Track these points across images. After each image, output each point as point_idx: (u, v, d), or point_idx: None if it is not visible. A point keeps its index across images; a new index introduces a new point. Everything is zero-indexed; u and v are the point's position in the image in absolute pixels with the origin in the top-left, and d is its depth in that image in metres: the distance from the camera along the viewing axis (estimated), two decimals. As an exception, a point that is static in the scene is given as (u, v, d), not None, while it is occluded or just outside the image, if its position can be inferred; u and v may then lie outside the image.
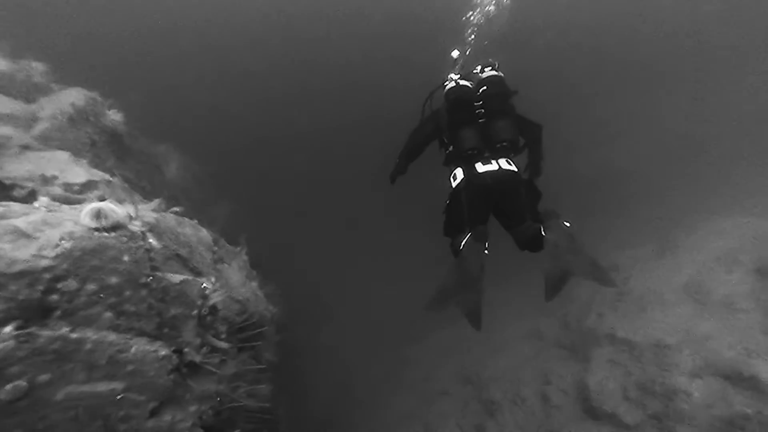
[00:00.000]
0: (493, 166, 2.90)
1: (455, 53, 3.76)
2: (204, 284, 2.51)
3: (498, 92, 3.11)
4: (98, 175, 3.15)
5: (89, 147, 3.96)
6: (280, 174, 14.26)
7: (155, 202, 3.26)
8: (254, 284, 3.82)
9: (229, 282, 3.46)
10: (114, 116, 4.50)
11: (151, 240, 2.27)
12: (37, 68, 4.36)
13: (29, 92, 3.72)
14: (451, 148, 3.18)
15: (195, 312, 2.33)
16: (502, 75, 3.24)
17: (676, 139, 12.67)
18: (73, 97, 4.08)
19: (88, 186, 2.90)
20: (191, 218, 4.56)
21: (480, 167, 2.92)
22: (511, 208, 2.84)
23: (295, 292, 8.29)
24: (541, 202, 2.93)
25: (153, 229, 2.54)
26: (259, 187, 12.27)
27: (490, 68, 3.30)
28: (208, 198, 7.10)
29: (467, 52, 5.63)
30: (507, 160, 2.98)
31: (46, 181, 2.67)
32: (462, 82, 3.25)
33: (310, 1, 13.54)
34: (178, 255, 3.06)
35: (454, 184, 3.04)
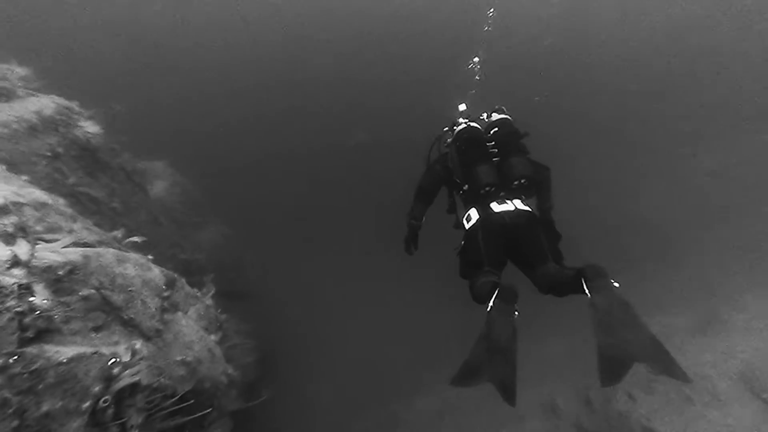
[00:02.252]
0: (509, 206, 2.81)
1: (462, 106, 3.74)
2: (113, 359, 1.84)
3: (510, 132, 3.13)
4: (30, 195, 2.60)
5: (48, 160, 3.46)
6: (281, 199, 13.81)
7: (88, 233, 2.68)
8: (213, 339, 3.13)
9: (177, 338, 2.79)
10: (89, 128, 4.05)
11: (34, 298, 1.64)
12: (13, 72, 3.99)
13: (-14, 95, 3.29)
14: (465, 188, 3.08)
15: (86, 404, 1.65)
16: (511, 118, 3.26)
17: (714, 189, 11.62)
18: (40, 104, 3.65)
19: (4, 209, 2.34)
20: (155, 248, 3.96)
21: (496, 207, 2.83)
22: (530, 248, 2.70)
23: (280, 330, 7.50)
24: (566, 251, 2.73)
25: (52, 277, 1.93)
26: (257, 211, 11.76)
27: (497, 113, 3.34)
28: (196, 220, 6.58)
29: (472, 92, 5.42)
30: (522, 201, 2.90)
31: (-57, 202, 2.11)
32: (472, 124, 3.27)
33: (315, 14, 13.61)
34: (107, 303, 2.42)
35: (468, 225, 2.94)
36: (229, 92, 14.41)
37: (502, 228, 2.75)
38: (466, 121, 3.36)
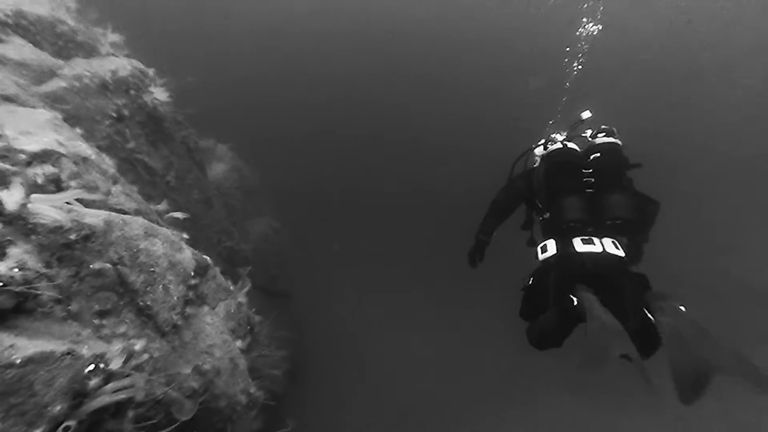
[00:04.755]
0: (595, 248, 2.44)
1: (586, 114, 3.16)
2: (93, 364, 1.32)
3: (614, 161, 2.69)
4: (73, 147, 2.30)
5: (111, 121, 3.28)
6: (339, 202, 13.56)
7: (109, 190, 2.30)
8: (239, 345, 2.61)
9: (197, 338, 2.30)
10: (159, 95, 3.88)
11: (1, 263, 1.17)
12: (106, 36, 3.98)
13: (65, 48, 3.20)
14: (546, 216, 2.79)
15: (39, 431, 1.14)
16: (620, 143, 2.77)
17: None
18: (117, 65, 3.53)
19: (41, 157, 2.03)
20: (201, 231, 3.61)
21: (579, 245, 2.46)
22: (612, 303, 2.33)
23: (315, 342, 6.96)
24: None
25: (60, 241, 1.49)
26: (312, 210, 11.57)
27: (604, 134, 2.85)
28: (250, 209, 6.37)
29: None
30: (613, 242, 2.49)
31: (-32, 136, 1.81)
32: (570, 145, 2.85)
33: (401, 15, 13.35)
34: (122, 283, 1.99)
35: (541, 257, 2.62)
36: (309, 84, 14.55)
37: (582, 272, 2.41)
38: (563, 140, 2.96)
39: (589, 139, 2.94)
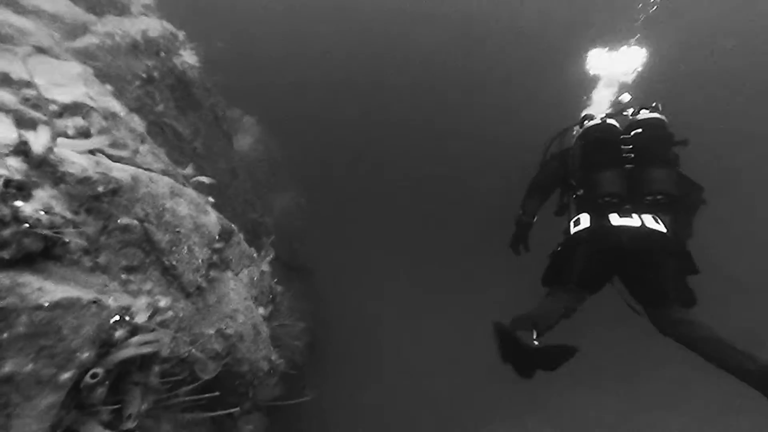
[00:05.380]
0: (633, 221, 2.28)
1: (626, 97, 3.04)
2: (118, 315, 1.29)
3: (657, 136, 2.47)
4: (104, 102, 2.27)
5: (141, 82, 3.25)
6: (363, 178, 13.44)
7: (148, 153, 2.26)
8: (261, 313, 2.60)
9: (220, 302, 2.29)
10: (189, 59, 3.82)
11: (24, 204, 1.12)
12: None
13: (98, 4, 3.16)
14: (580, 192, 2.61)
15: (67, 375, 1.12)
16: (665, 119, 2.53)
17: None
18: (148, 24, 3.47)
19: (72, 109, 2.00)
20: (226, 200, 3.60)
21: (615, 219, 2.32)
22: (651, 282, 2.20)
23: (336, 318, 7.02)
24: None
25: (88, 193, 1.45)
26: (336, 187, 11.52)
27: (647, 110, 2.63)
28: (273, 182, 6.37)
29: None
30: (654, 217, 2.31)
31: (3, 82, 1.79)
32: (609, 120, 2.66)
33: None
34: (149, 240, 1.97)
35: (573, 230, 2.47)
36: (342, 64, 14.11)
37: (615, 249, 2.23)
38: (603, 117, 2.73)
39: (630, 117, 2.73)
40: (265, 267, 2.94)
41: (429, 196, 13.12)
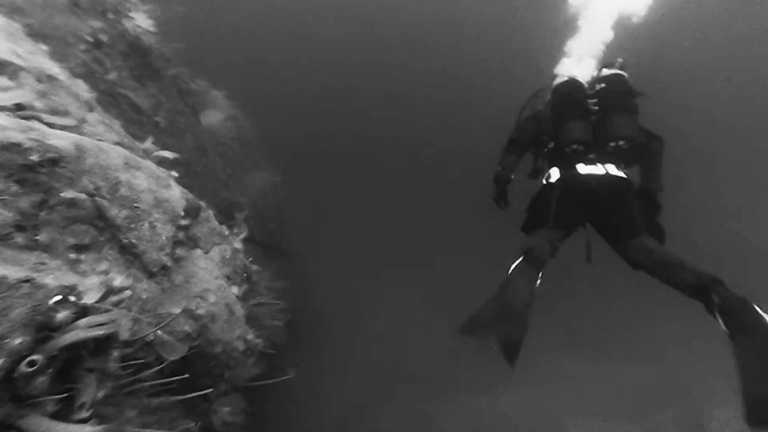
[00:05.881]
0: (598, 170, 2.49)
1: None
2: (59, 295, 1.14)
3: (619, 88, 2.69)
4: (35, 61, 1.99)
5: (87, 46, 2.91)
6: (340, 157, 13.13)
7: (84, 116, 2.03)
8: (234, 292, 2.47)
9: (189, 281, 2.14)
10: (142, 22, 3.46)
11: None
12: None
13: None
14: (550, 146, 2.81)
15: (-5, 364, 0.97)
16: (625, 74, 2.77)
17: None
18: (90, -19, 3.07)
19: (-4, 69, 1.73)
20: (195, 179, 3.39)
21: (581, 168, 2.52)
22: (619, 218, 2.43)
23: (313, 297, 6.96)
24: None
25: (18, 161, 1.25)
26: (312, 165, 11.21)
27: (608, 68, 2.88)
28: (246, 162, 6.07)
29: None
30: (616, 166, 2.54)
31: None
32: (575, 77, 2.88)
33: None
34: (101, 217, 1.78)
35: (545, 182, 2.71)
36: (317, 38, 13.38)
37: (585, 194, 2.44)
38: (570, 76, 2.96)
39: (594, 75, 2.97)
40: (238, 245, 2.79)
41: (405, 170, 13.03)
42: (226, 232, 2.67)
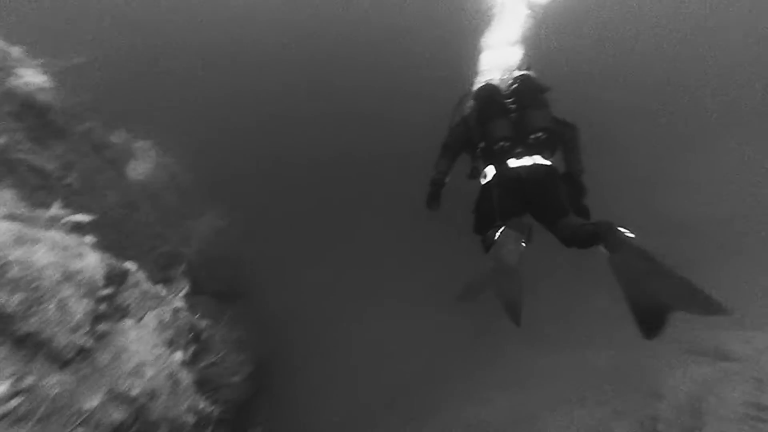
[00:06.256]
0: (526, 161, 2.78)
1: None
2: None
3: (529, 86, 3.04)
4: None
5: (-36, 112, 2.56)
6: (288, 191, 12.75)
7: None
8: (179, 358, 2.17)
9: (118, 359, 1.84)
10: (32, 78, 3.15)
11: None
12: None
13: None
14: (481, 146, 3.06)
15: None
16: (531, 73, 3.16)
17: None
18: (-38, 41, 2.76)
19: None
20: (126, 238, 3.11)
21: (512, 162, 2.80)
22: (549, 201, 2.66)
23: (279, 339, 6.54)
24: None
25: None
26: (259, 203, 10.74)
27: (519, 70, 3.26)
28: (185, 210, 5.66)
29: None
30: (542, 156, 2.83)
31: None
32: (491, 81, 3.25)
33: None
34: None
35: (484, 182, 2.91)
36: (233, 54, 12.79)
37: (519, 183, 2.71)
38: (485, 80, 3.33)
39: (506, 78, 3.33)
40: (179, 303, 2.50)
41: (364, 190, 12.97)
42: (163, 293, 2.39)
